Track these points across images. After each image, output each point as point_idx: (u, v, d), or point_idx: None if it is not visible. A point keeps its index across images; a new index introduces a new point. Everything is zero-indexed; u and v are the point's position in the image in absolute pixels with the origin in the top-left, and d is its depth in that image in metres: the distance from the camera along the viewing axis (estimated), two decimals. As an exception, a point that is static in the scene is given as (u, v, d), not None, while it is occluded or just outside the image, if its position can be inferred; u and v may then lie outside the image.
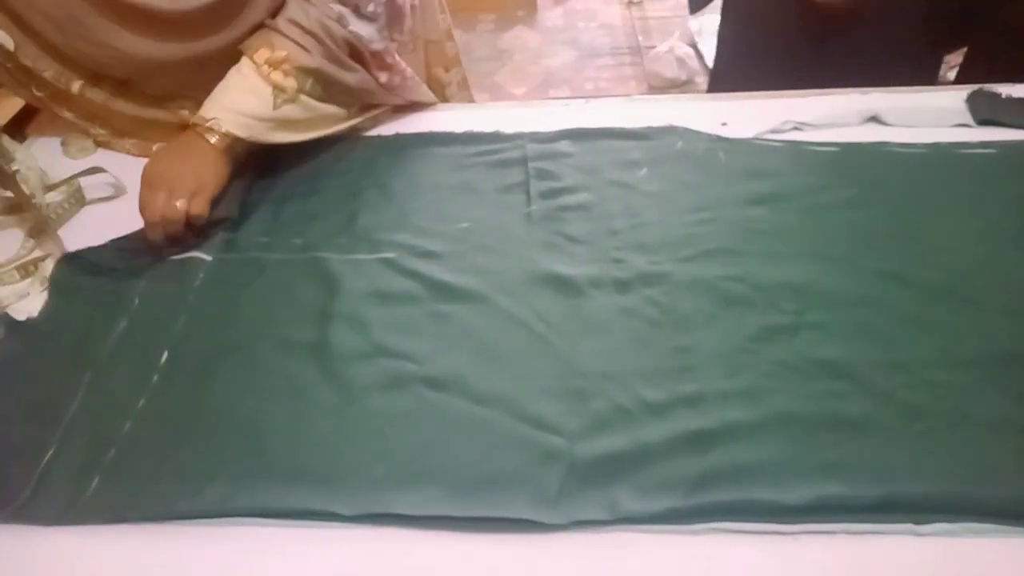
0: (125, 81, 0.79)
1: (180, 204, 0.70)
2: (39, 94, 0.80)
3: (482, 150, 0.84)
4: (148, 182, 0.72)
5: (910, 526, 0.50)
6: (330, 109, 0.80)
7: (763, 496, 0.51)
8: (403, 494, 0.53)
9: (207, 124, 0.74)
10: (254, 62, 0.75)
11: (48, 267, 0.71)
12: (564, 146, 0.84)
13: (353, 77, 0.81)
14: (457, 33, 0.95)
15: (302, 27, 0.76)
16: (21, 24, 0.73)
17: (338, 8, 0.78)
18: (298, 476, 0.55)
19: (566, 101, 0.93)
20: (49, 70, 0.76)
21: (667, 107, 0.88)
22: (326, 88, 0.79)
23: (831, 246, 0.70)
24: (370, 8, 0.80)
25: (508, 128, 0.87)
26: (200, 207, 0.72)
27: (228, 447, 0.57)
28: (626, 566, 0.49)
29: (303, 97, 0.77)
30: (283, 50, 0.75)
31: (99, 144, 0.87)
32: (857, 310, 0.64)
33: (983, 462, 0.53)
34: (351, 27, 0.79)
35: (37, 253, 0.73)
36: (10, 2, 0.71)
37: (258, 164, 0.81)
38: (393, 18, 0.85)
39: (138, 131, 0.86)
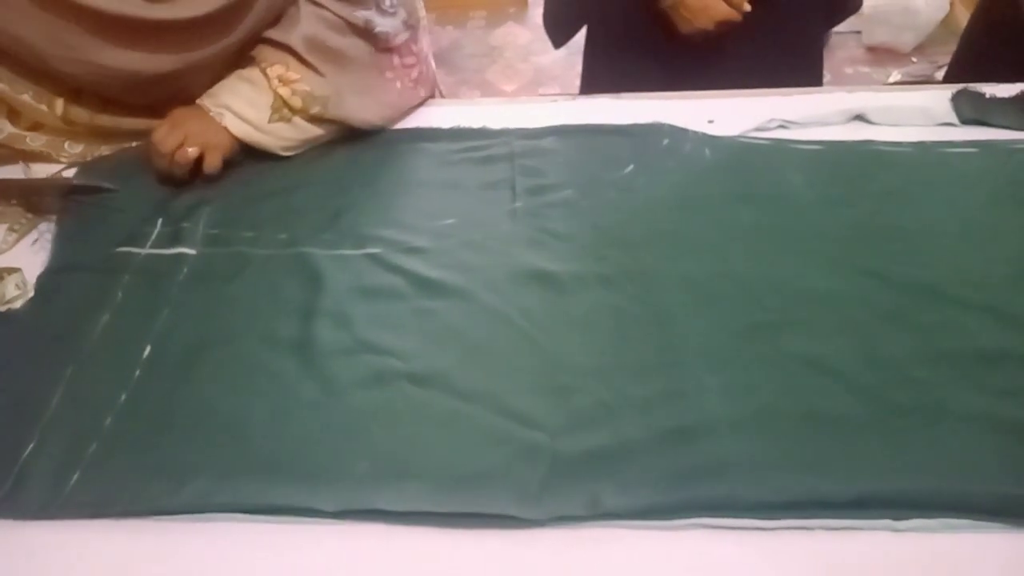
0: (109, 95, 0.78)
1: (192, 151, 0.75)
2: None
3: (468, 146, 0.84)
4: (173, 120, 0.76)
5: (888, 522, 0.50)
6: (317, 131, 0.82)
7: (744, 492, 0.51)
8: (386, 490, 0.53)
9: (210, 113, 0.77)
10: (266, 75, 0.77)
11: (19, 277, 0.70)
12: (550, 143, 0.84)
13: (362, 115, 0.82)
14: (448, 30, 0.95)
15: (319, 47, 0.77)
16: None
17: (363, 13, 0.79)
18: (281, 472, 0.54)
19: (553, 97, 0.94)
20: (27, 92, 0.75)
21: (654, 104, 0.89)
22: (330, 121, 0.81)
23: (814, 244, 0.70)
24: (387, 3, 0.81)
25: (495, 124, 0.87)
26: (212, 163, 0.77)
27: (210, 442, 0.56)
28: (607, 561, 0.49)
29: (297, 119, 0.79)
30: (297, 73, 0.77)
31: (70, 165, 0.82)
32: (839, 307, 0.64)
33: (962, 459, 0.53)
34: (378, 28, 0.80)
35: (8, 262, 0.73)
36: None
37: None
38: (408, 3, 0.85)
39: (123, 141, 0.84)
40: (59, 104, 0.76)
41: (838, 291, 0.66)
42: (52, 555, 0.51)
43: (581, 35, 1.15)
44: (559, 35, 1.14)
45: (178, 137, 0.75)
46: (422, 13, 0.88)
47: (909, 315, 0.64)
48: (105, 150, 0.84)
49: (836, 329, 0.62)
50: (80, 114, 0.78)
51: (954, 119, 0.85)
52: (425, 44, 0.88)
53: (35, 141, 0.81)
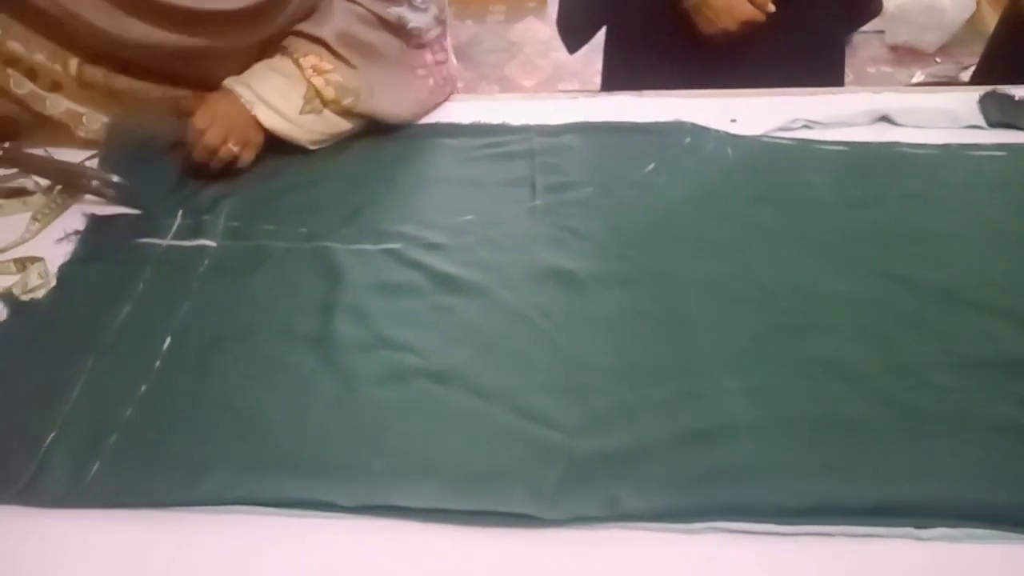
0: (126, 59, 0.78)
1: (236, 149, 0.77)
2: (20, 91, 0.78)
3: (488, 142, 0.84)
4: (213, 113, 0.77)
5: (910, 530, 0.49)
6: (345, 125, 0.82)
7: (763, 496, 0.51)
8: (402, 486, 0.53)
9: (242, 101, 0.77)
10: (299, 65, 0.78)
11: (42, 267, 0.71)
12: (571, 140, 0.84)
13: (393, 110, 0.82)
14: (467, 24, 0.95)
15: (352, 41, 0.78)
16: (10, 7, 0.71)
17: (396, 10, 0.79)
18: (298, 466, 0.55)
19: (574, 94, 0.93)
20: (42, 52, 0.75)
21: (676, 103, 0.88)
22: (359, 114, 0.81)
23: (837, 246, 0.70)
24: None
25: (516, 121, 0.86)
26: (246, 158, 0.78)
27: (229, 436, 0.57)
28: (623, 563, 0.49)
29: (327, 112, 0.79)
30: (330, 64, 0.78)
31: (87, 144, 0.82)
32: (861, 311, 0.64)
33: (986, 467, 0.53)
34: (411, 24, 0.80)
35: (32, 252, 0.73)
36: None
37: None
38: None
39: (141, 109, 0.83)
40: (73, 64, 0.76)
41: (860, 294, 0.65)
42: (71, 544, 0.51)
43: (600, 33, 1.14)
44: (574, 40, 1.13)
45: (222, 133, 0.76)
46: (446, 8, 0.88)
47: (932, 320, 0.63)
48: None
49: (858, 333, 0.62)
50: (95, 74, 0.78)
51: (981, 122, 0.84)
52: (448, 40, 0.88)
53: (55, 107, 0.79)
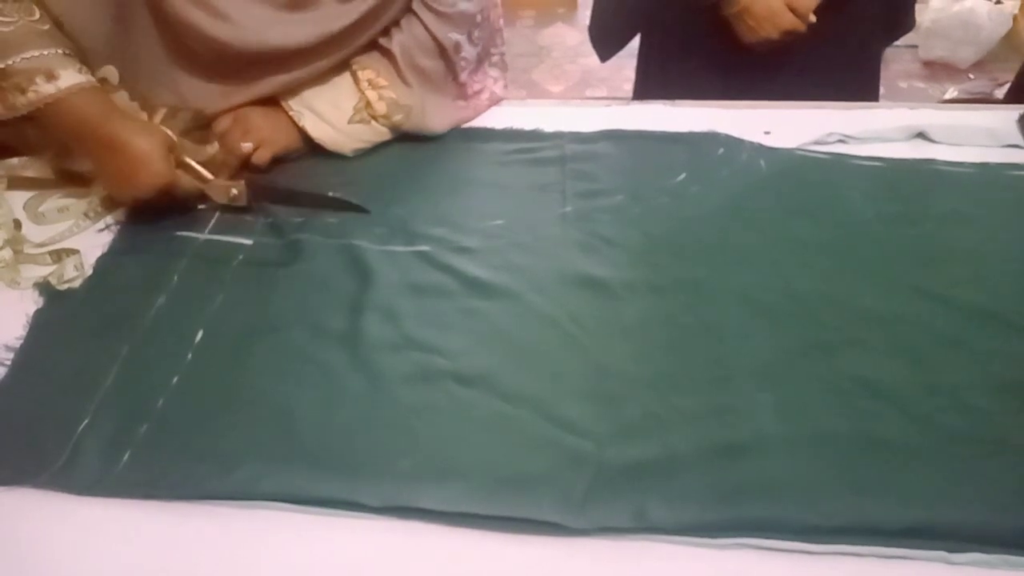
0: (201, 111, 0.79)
1: (245, 147, 0.78)
2: None
3: (520, 148, 0.84)
4: (235, 116, 0.80)
5: (943, 554, 0.48)
6: (388, 135, 0.84)
7: (793, 514, 0.50)
8: (428, 488, 0.53)
9: (290, 113, 0.80)
10: (356, 77, 0.80)
11: (78, 259, 0.71)
12: (603, 147, 0.83)
13: (434, 127, 0.84)
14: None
15: (410, 62, 0.80)
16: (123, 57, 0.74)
17: (455, 36, 0.81)
18: (325, 464, 0.55)
19: (607, 102, 0.93)
20: (137, 98, 0.77)
21: (709, 113, 0.87)
22: (407, 127, 0.83)
23: (872, 262, 0.69)
24: (476, 33, 0.83)
25: (548, 127, 0.86)
26: (261, 156, 0.80)
27: (258, 430, 0.57)
28: (650, 575, 0.49)
29: (376, 124, 0.81)
30: (386, 80, 0.80)
31: None
32: (897, 329, 0.63)
33: (1021, 493, 0.52)
34: (463, 53, 0.82)
35: (70, 244, 0.74)
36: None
37: None
38: (490, 37, 0.86)
39: None
40: (160, 114, 0.77)
41: (896, 312, 0.64)
42: (102, 531, 0.52)
43: (631, 40, 1.14)
44: (607, 48, 1.13)
45: (239, 133, 0.78)
46: (502, 48, 0.89)
47: (969, 341, 0.62)
48: None
49: (893, 351, 0.61)
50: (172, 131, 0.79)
51: (1021, 140, 0.82)
52: (494, 75, 0.89)
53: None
